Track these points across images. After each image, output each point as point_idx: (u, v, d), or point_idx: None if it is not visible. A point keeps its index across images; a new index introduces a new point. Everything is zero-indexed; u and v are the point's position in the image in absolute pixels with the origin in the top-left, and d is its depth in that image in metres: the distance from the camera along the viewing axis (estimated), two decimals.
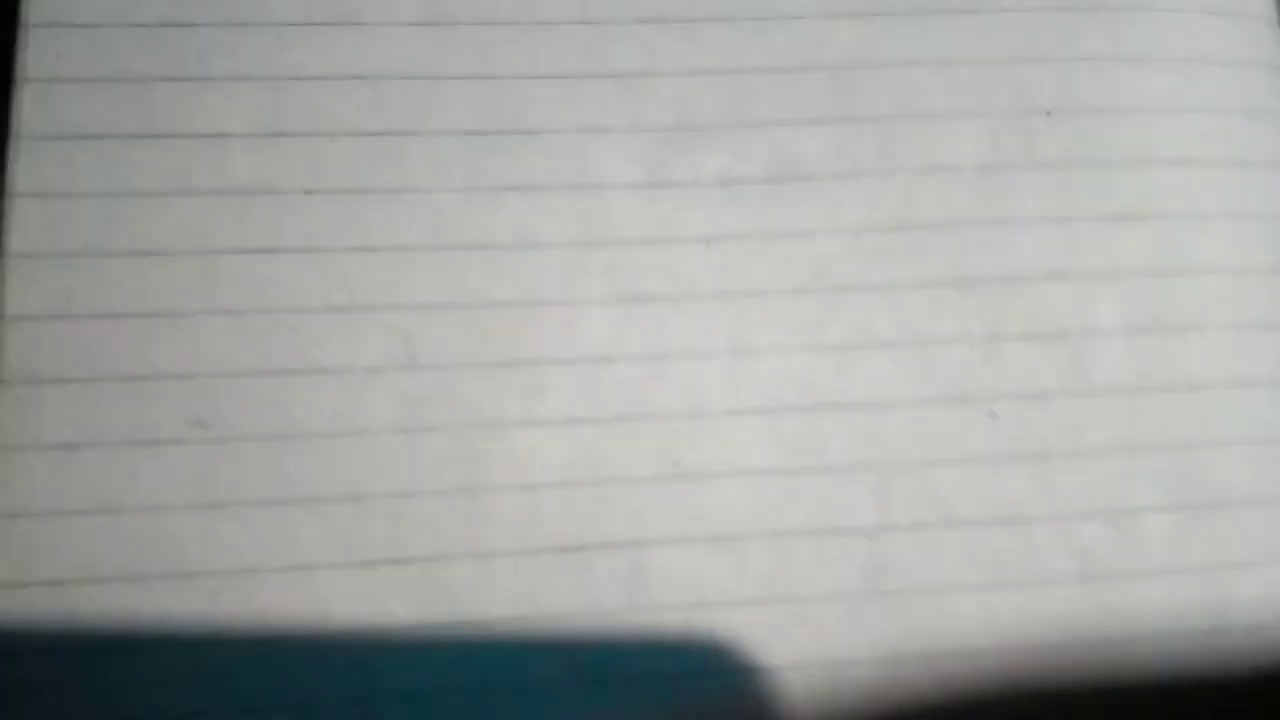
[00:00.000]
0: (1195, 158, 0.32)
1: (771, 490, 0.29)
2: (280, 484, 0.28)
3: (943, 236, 0.31)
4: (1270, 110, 0.33)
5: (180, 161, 0.29)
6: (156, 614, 0.27)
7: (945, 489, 0.29)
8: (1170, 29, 0.32)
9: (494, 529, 0.28)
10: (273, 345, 0.29)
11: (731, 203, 0.30)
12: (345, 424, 0.28)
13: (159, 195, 0.29)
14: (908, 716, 0.28)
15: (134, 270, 0.29)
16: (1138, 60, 0.32)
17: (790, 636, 0.28)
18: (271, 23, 0.31)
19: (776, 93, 0.31)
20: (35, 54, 0.30)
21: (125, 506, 0.27)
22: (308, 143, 0.30)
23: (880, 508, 0.29)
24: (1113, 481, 0.29)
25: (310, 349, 0.29)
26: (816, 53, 0.32)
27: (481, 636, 0.27)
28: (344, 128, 0.30)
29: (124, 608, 0.27)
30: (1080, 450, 0.30)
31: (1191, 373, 0.30)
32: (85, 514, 0.27)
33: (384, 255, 0.29)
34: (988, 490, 0.29)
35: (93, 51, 0.30)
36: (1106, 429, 0.30)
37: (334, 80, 0.30)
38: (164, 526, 0.27)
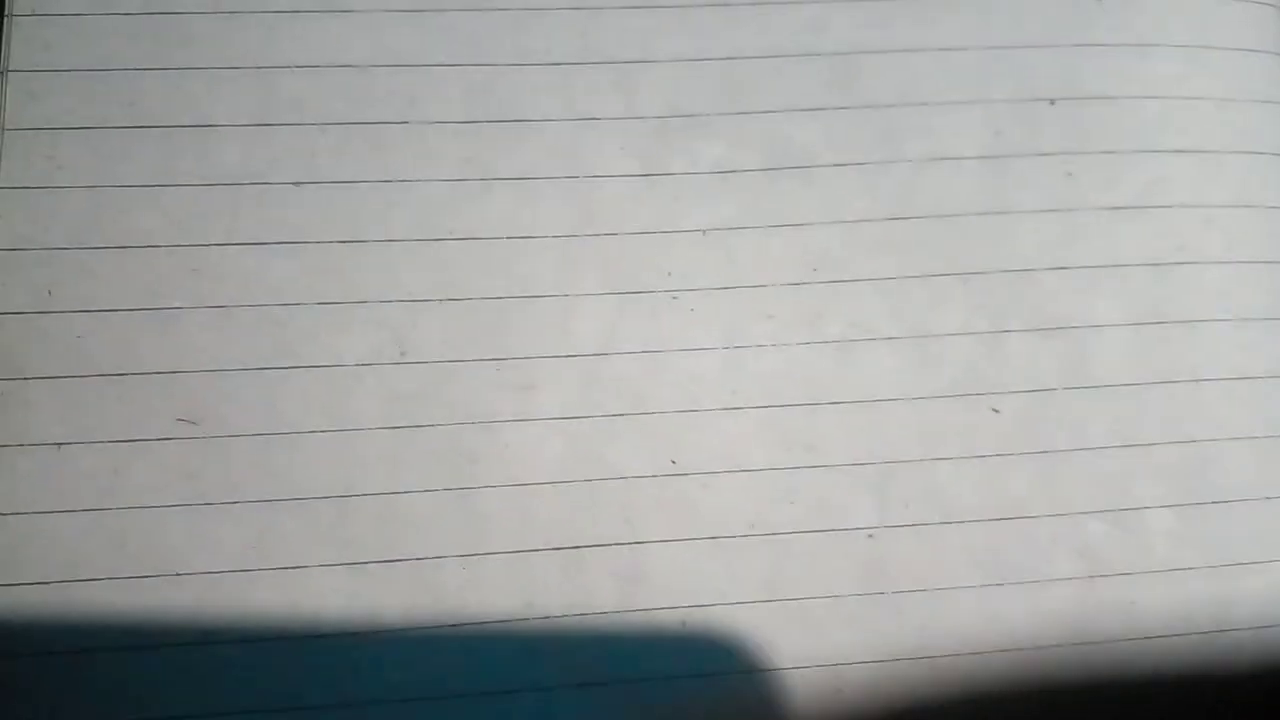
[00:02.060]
0: (1200, 147, 0.31)
1: (769, 488, 0.29)
2: (269, 482, 0.28)
3: (943, 228, 0.30)
4: (1276, 98, 0.32)
5: (166, 153, 0.29)
6: (146, 613, 0.27)
7: (947, 486, 0.29)
8: (1176, 16, 0.32)
9: (485, 528, 0.28)
10: (261, 340, 0.28)
11: (728, 193, 0.30)
12: (334, 421, 0.28)
13: (145, 187, 0.29)
14: (908, 717, 0.28)
15: (120, 264, 0.28)
16: (1143, 48, 0.32)
17: (788, 637, 0.28)
18: (258, 10, 0.30)
19: (774, 80, 0.31)
20: (19, 45, 0.29)
21: (113, 504, 0.27)
22: (296, 133, 0.29)
23: (880, 506, 0.29)
24: (1115, 478, 0.29)
25: (299, 344, 0.28)
26: (815, 39, 0.31)
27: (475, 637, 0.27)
28: (333, 118, 0.30)
29: (113, 607, 0.27)
30: (1083, 446, 0.29)
31: (1194, 366, 0.30)
32: (73, 512, 0.27)
33: (374, 248, 0.29)
34: (990, 487, 0.29)
35: (77, 42, 0.30)
36: (1109, 424, 0.29)
37: (322, 69, 0.30)
38: (153, 524, 0.27)
